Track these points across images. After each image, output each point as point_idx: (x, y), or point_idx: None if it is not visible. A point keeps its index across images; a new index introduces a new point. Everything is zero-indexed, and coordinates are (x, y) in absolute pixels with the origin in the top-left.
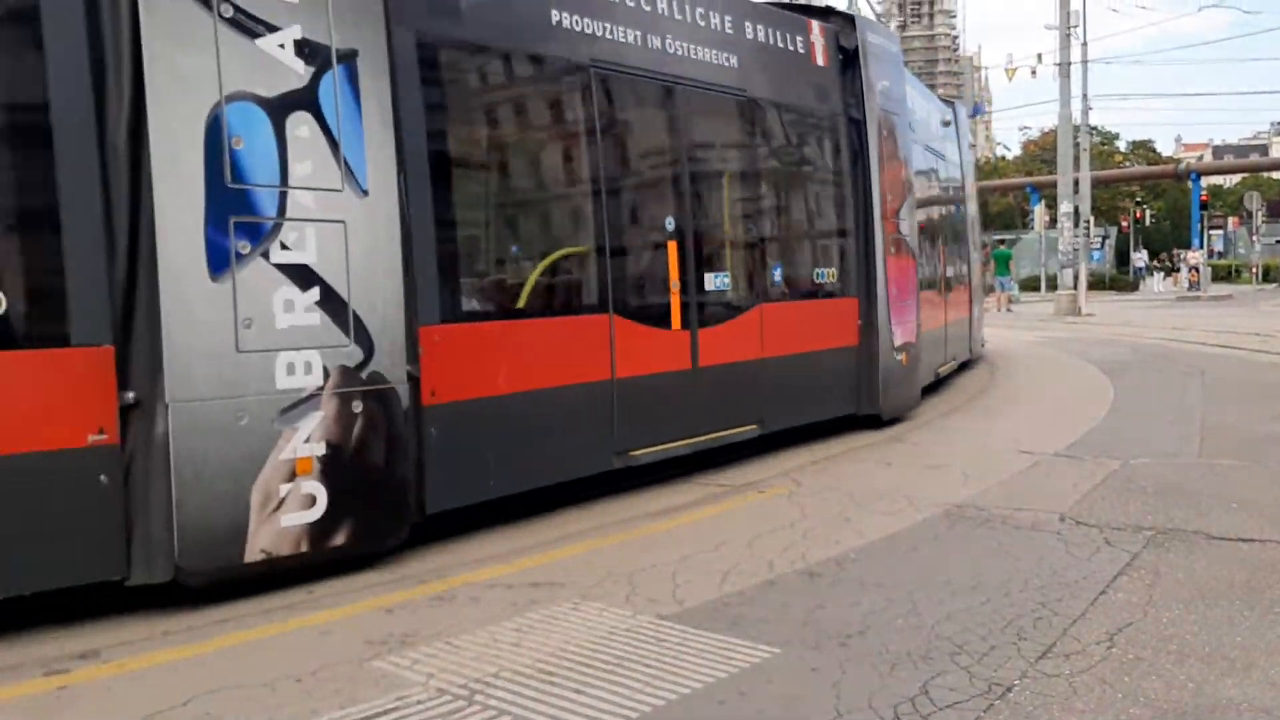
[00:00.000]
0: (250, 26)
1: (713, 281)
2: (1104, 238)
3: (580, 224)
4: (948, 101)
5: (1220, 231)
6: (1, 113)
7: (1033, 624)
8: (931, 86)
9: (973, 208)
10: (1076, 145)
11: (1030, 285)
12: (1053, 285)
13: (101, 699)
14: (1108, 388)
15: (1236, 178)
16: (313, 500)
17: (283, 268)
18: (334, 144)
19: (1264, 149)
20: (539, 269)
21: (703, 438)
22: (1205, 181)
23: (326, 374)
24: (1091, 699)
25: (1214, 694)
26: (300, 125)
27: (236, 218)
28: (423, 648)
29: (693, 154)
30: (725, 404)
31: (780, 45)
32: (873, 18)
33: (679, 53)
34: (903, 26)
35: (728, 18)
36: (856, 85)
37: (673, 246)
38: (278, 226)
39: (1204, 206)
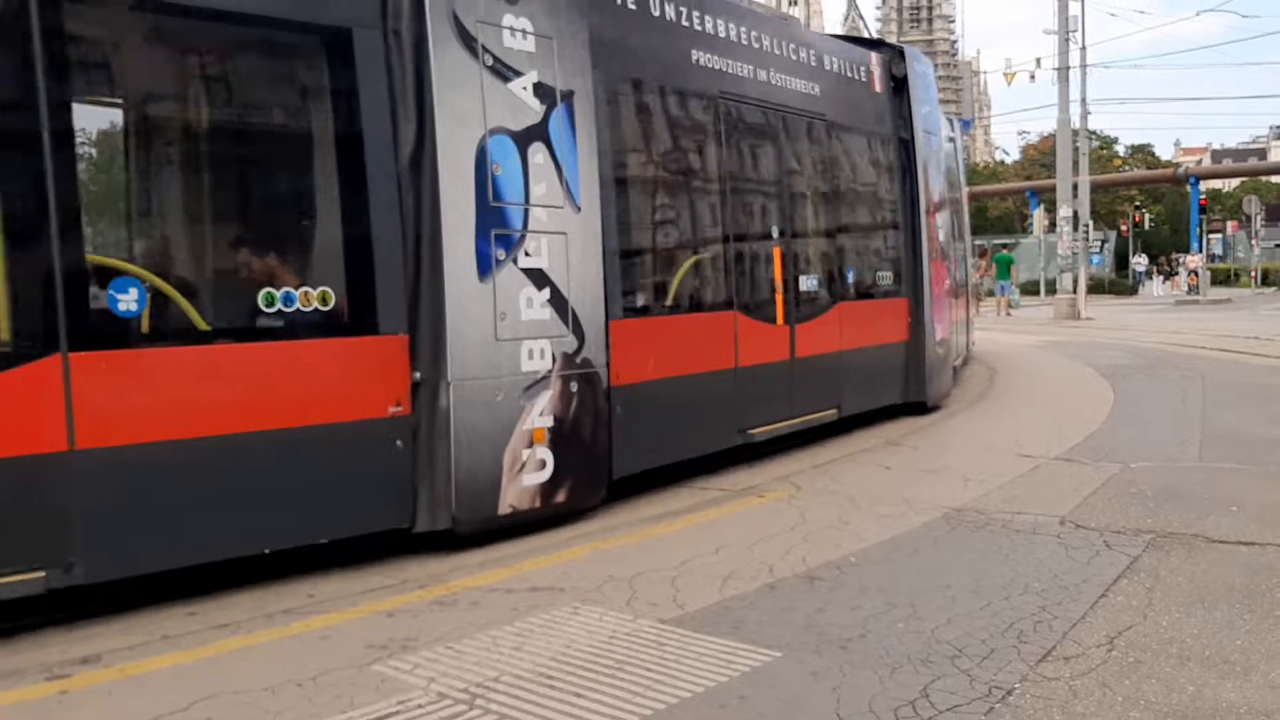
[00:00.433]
0: (504, 72)
1: (806, 283)
2: (1103, 242)
3: (711, 232)
4: (947, 117)
5: (1219, 235)
6: (336, 153)
7: (1033, 627)
8: None
9: (965, 215)
10: (1075, 149)
11: (1030, 290)
12: (1052, 290)
13: (103, 703)
14: (1107, 391)
15: (1235, 181)
16: (544, 464)
17: (526, 271)
18: (559, 168)
19: (1263, 153)
20: (682, 271)
21: (799, 419)
22: (1204, 185)
23: (554, 359)
24: (1091, 702)
25: (1214, 697)
26: (537, 153)
27: (496, 230)
28: (424, 652)
29: (789, 171)
30: (814, 390)
31: (849, 75)
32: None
33: (779, 83)
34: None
35: (811, 51)
36: (905, 109)
37: (777, 252)
38: (523, 237)
39: (1203, 210)
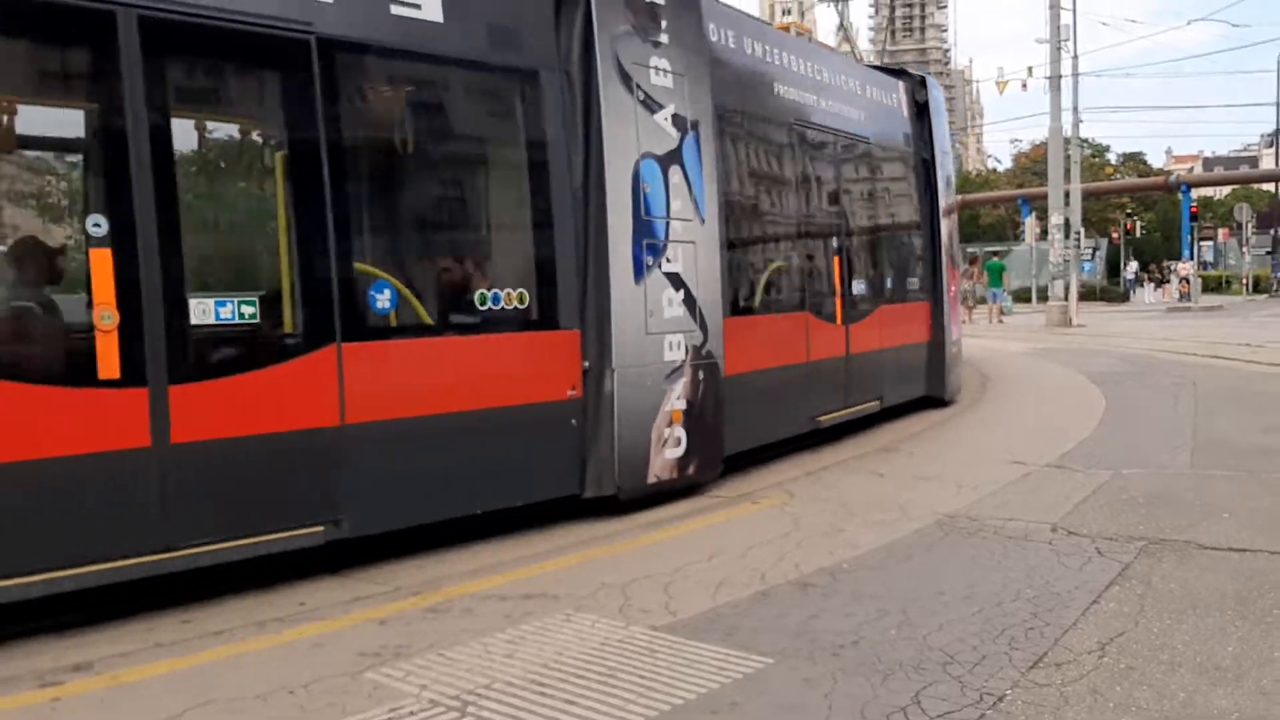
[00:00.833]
0: (651, 105)
1: (857, 288)
2: (1095, 249)
3: (789, 242)
4: None
5: (1210, 243)
6: (531, 175)
7: (1024, 634)
8: None
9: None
10: (1067, 157)
11: (1022, 297)
12: (1044, 297)
13: (95, 711)
14: (1099, 398)
15: (1226, 189)
16: (679, 441)
17: (667, 275)
18: (689, 186)
19: (1254, 161)
20: (770, 275)
21: (852, 409)
22: (1195, 193)
23: (686, 350)
24: (1083, 708)
25: (1205, 704)
26: (675, 173)
27: (646, 240)
28: (416, 659)
29: (845, 187)
30: (863, 383)
31: (885, 102)
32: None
33: (835, 110)
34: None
35: (856, 80)
36: (926, 132)
37: (836, 260)
38: (665, 246)
39: (1194, 218)
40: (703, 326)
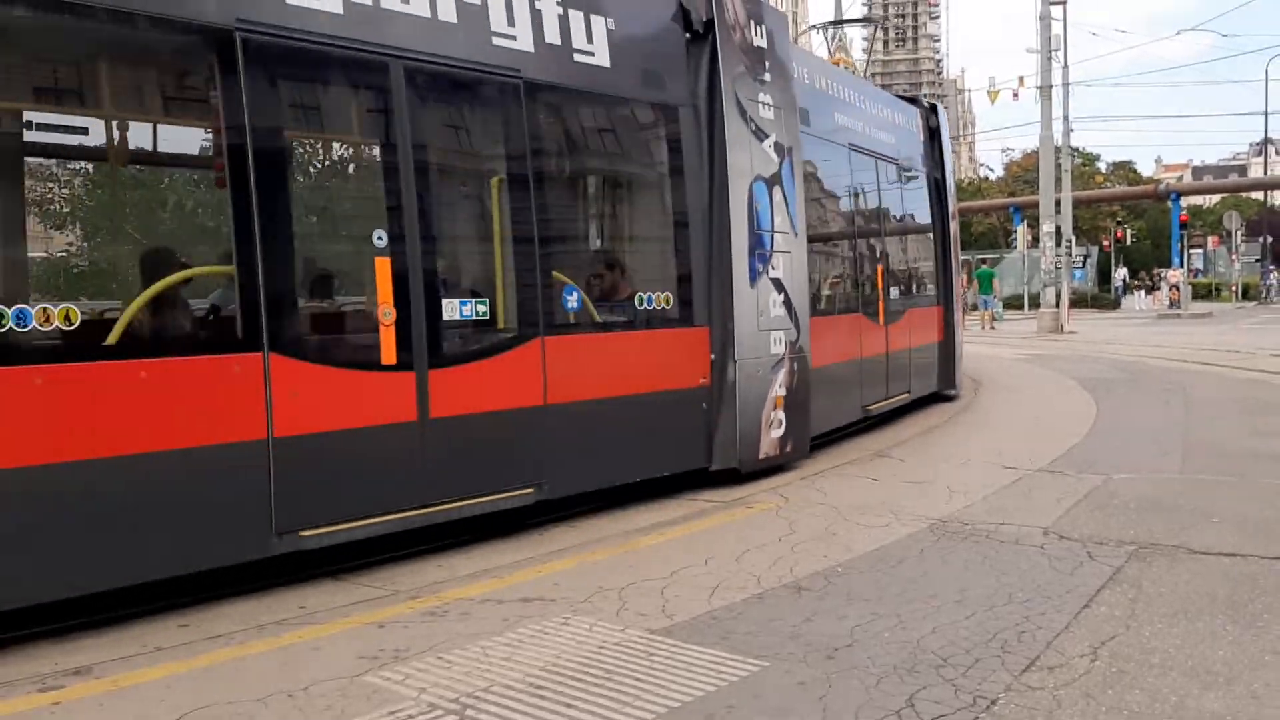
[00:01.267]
0: (760, 134)
1: (893, 292)
2: (1086, 257)
3: (848, 250)
4: None
5: (1200, 250)
6: (673, 195)
7: (1017, 637)
8: None
9: None
10: (1058, 166)
11: (1013, 304)
12: (1035, 303)
13: (95, 714)
14: (1090, 404)
15: (1216, 198)
16: (781, 423)
17: (772, 280)
18: (787, 203)
19: (1243, 169)
20: (834, 280)
21: (891, 400)
22: (1185, 201)
23: (786, 345)
24: (1075, 712)
25: (1197, 707)
26: (777, 193)
27: (758, 250)
28: (414, 663)
29: (883, 204)
30: (897, 376)
31: (908, 126)
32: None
33: (874, 134)
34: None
35: (887, 107)
36: (937, 153)
37: (879, 268)
38: (770, 255)
39: (1184, 226)
40: (796, 325)
